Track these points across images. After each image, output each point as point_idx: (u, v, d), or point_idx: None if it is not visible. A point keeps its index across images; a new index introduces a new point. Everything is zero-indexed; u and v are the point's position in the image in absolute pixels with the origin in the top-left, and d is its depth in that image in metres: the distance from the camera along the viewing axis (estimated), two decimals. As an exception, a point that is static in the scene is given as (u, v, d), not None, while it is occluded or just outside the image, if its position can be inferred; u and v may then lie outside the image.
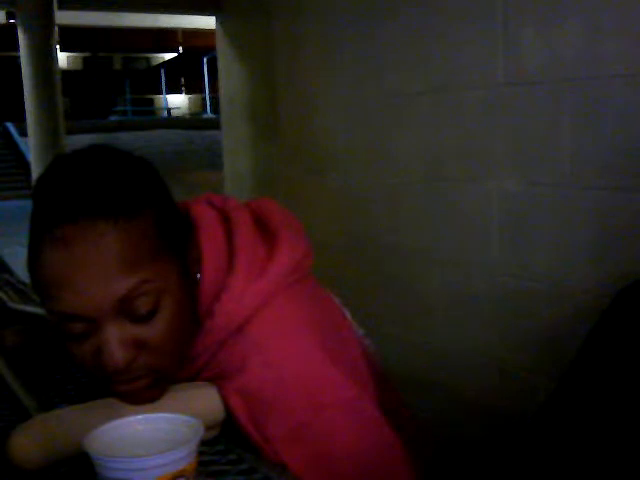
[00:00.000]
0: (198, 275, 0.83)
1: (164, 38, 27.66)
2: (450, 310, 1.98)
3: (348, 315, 1.00)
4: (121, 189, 0.74)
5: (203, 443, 0.69)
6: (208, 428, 0.76)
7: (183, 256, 0.80)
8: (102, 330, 0.73)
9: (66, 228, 0.70)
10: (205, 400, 0.81)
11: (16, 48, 6.38)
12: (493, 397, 1.84)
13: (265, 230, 0.90)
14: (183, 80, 30.07)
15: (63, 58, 26.12)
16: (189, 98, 30.99)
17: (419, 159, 2.02)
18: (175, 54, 27.11)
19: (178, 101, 30.20)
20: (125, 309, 0.72)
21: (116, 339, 0.72)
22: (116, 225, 0.71)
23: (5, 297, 1.41)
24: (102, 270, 0.70)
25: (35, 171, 6.00)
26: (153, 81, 27.45)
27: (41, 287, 0.73)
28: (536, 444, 0.84)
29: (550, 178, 1.64)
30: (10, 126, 15.55)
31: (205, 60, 23.58)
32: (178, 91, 30.40)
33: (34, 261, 0.73)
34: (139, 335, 0.74)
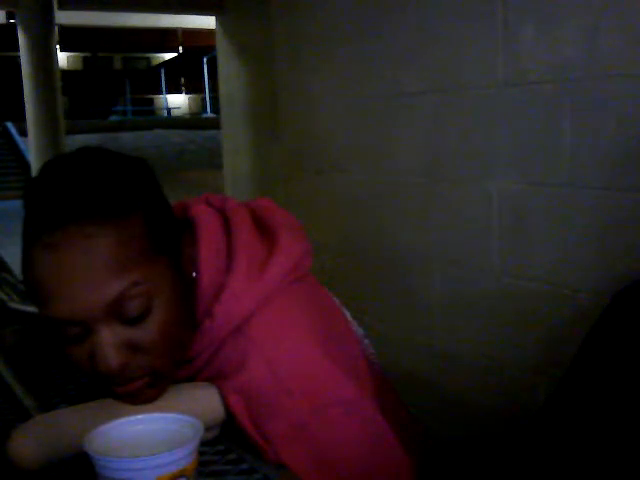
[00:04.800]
0: (194, 274, 0.83)
1: (164, 38, 27.66)
2: (450, 310, 1.98)
3: (348, 315, 1.00)
4: (109, 192, 0.73)
5: (203, 443, 0.69)
6: (208, 428, 0.76)
7: (176, 256, 0.79)
8: (95, 333, 0.73)
9: (54, 234, 0.70)
10: (205, 400, 0.81)
11: (16, 48, 6.38)
12: (493, 397, 1.83)
13: (264, 230, 0.90)
14: (183, 80, 30.08)
15: (63, 58, 26.12)
16: (189, 98, 30.99)
17: (419, 159, 2.02)
18: (175, 54, 27.11)
19: (178, 101, 30.20)
20: (117, 312, 0.72)
21: (109, 342, 0.72)
22: (104, 229, 0.71)
23: (5, 297, 1.41)
24: (92, 274, 0.70)
25: (35, 171, 5.99)
26: (153, 81, 27.45)
27: (33, 293, 0.73)
28: (536, 444, 0.84)
29: (550, 178, 1.64)
30: (10, 126, 15.54)
31: (205, 60, 23.59)
32: (178, 91, 30.40)
33: (26, 267, 0.73)
34: (133, 337, 0.74)
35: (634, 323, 0.80)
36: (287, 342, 0.83)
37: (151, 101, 29.72)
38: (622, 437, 0.75)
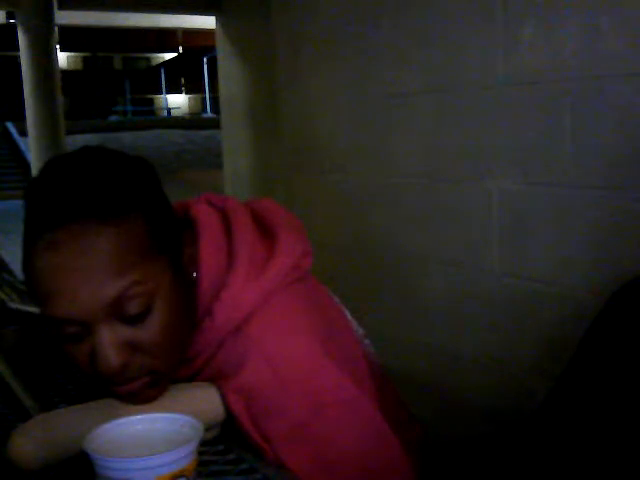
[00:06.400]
0: (194, 274, 0.83)
1: (164, 38, 27.67)
2: (450, 310, 1.98)
3: (348, 315, 1.00)
4: (109, 191, 0.73)
5: (203, 443, 0.69)
6: (208, 428, 0.76)
7: (177, 256, 0.79)
8: (95, 333, 0.72)
9: (55, 233, 0.70)
10: (205, 400, 0.81)
11: (16, 48, 6.38)
12: (493, 397, 1.83)
13: (265, 230, 0.90)
14: (183, 80, 30.09)
15: (63, 58, 26.14)
16: (189, 98, 31.01)
17: (419, 159, 2.02)
18: (175, 54, 27.13)
19: (178, 101, 30.23)
20: (117, 311, 0.72)
21: (109, 341, 0.72)
22: (104, 228, 0.71)
23: (5, 297, 1.41)
24: (92, 274, 0.70)
25: (35, 171, 6.00)
26: (153, 81, 27.47)
27: (34, 292, 0.73)
28: (534, 443, 0.84)
29: (550, 178, 1.64)
30: (10, 126, 15.55)
31: (205, 60, 23.61)
32: (178, 91, 30.42)
33: (27, 266, 0.73)
34: (133, 336, 0.74)
35: (631, 321, 0.80)
36: (287, 342, 0.83)
37: (151, 101, 29.74)
38: (620, 435, 0.75)
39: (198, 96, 29.61)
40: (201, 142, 16.74)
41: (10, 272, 1.77)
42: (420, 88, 1.99)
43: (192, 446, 0.62)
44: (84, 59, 28.79)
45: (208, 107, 25.60)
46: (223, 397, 0.80)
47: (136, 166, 0.79)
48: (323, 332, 0.87)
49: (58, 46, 6.43)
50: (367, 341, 1.02)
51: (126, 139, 16.24)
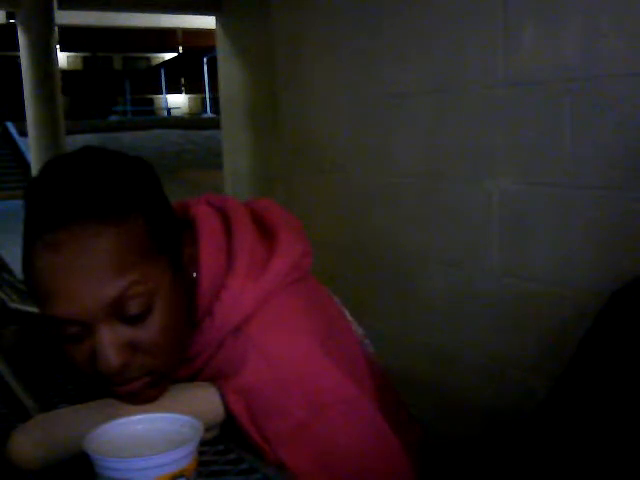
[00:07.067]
0: (194, 274, 0.83)
1: (164, 38, 27.68)
2: (450, 310, 1.98)
3: (348, 315, 1.00)
4: (109, 192, 0.73)
5: (203, 443, 0.69)
6: (208, 428, 0.76)
7: (177, 256, 0.79)
8: (96, 333, 0.72)
9: (55, 233, 0.70)
10: (205, 400, 0.81)
11: (16, 48, 6.38)
12: (493, 397, 1.83)
13: (264, 230, 0.90)
14: (183, 80, 30.09)
15: (63, 58, 26.14)
16: (189, 98, 31.01)
17: (419, 159, 2.02)
18: (175, 54, 27.13)
19: (178, 101, 30.23)
20: (117, 311, 0.72)
21: (110, 341, 0.72)
22: (105, 228, 0.71)
23: (5, 297, 1.41)
24: (92, 274, 0.70)
25: (35, 171, 6.00)
26: (153, 81, 27.47)
27: (34, 292, 0.73)
28: (533, 444, 0.84)
29: (550, 178, 1.64)
30: (10, 126, 15.56)
31: (205, 60, 23.61)
32: (178, 91, 30.42)
33: (27, 266, 0.73)
34: (133, 336, 0.74)
35: (631, 321, 0.80)
36: (287, 342, 0.83)
37: (151, 101, 29.74)
38: (620, 434, 0.75)
39: (198, 96, 29.61)
40: (201, 142, 16.73)
41: (10, 272, 1.77)
42: (420, 88, 1.99)
43: (192, 446, 0.62)
44: (84, 59, 28.79)
45: (208, 107, 25.60)
46: (223, 397, 0.80)
47: (136, 166, 0.79)
48: (323, 332, 0.87)
49: (58, 46, 6.43)
50: (367, 341, 1.02)
51: (126, 139, 16.24)
